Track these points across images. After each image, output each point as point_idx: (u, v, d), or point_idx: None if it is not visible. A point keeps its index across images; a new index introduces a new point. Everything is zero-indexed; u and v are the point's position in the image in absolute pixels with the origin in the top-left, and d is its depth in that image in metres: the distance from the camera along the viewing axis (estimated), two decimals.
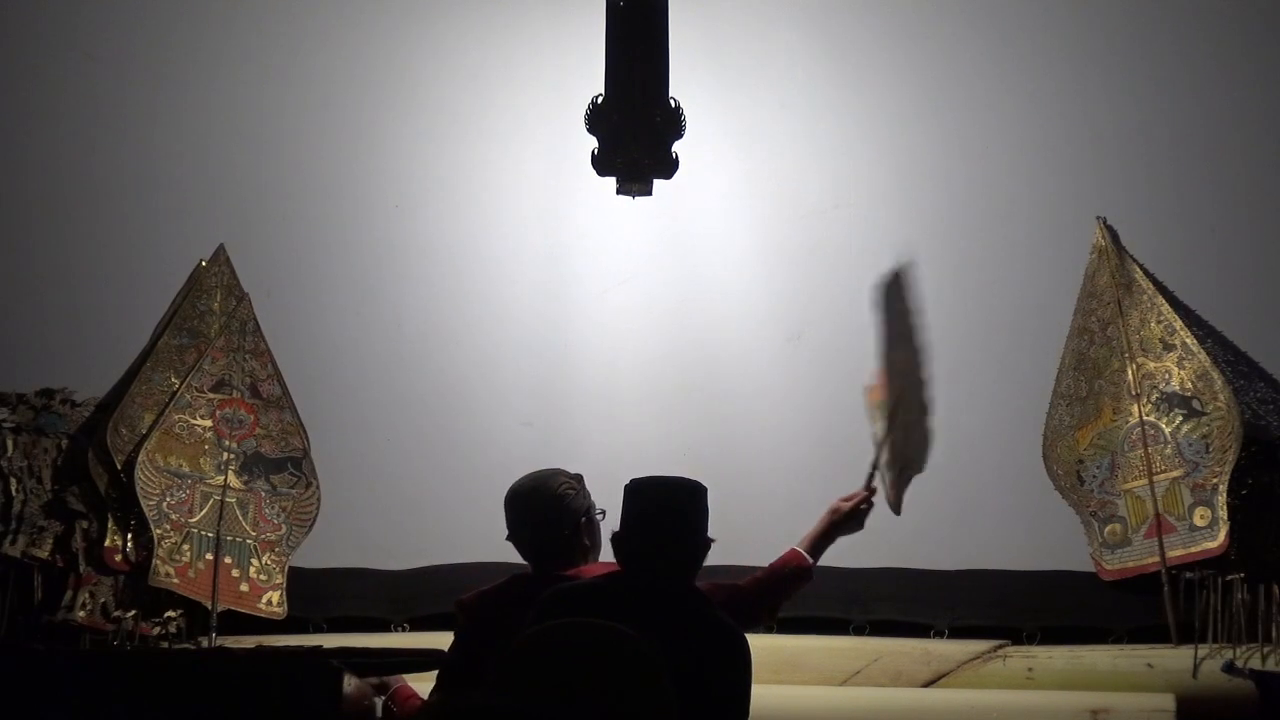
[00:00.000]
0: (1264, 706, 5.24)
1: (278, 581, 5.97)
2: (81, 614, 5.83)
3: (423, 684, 4.52)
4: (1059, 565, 6.01)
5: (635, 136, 5.01)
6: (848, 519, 4.76)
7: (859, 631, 6.00)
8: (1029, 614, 5.81)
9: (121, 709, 3.96)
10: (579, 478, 4.57)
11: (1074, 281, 5.99)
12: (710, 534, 4.10)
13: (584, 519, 4.51)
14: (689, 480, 4.14)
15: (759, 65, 6.38)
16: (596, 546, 4.52)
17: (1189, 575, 5.54)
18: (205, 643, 5.73)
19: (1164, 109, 6.18)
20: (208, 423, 6.02)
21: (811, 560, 4.70)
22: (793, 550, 4.75)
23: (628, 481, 4.09)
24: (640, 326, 6.35)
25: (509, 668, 2.41)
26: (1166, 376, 5.75)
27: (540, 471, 4.59)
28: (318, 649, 5.29)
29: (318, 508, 6.05)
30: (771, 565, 4.70)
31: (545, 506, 4.47)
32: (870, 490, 4.84)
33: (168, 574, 5.84)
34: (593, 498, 4.57)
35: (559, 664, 2.41)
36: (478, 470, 6.18)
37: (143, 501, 5.86)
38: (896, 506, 4.88)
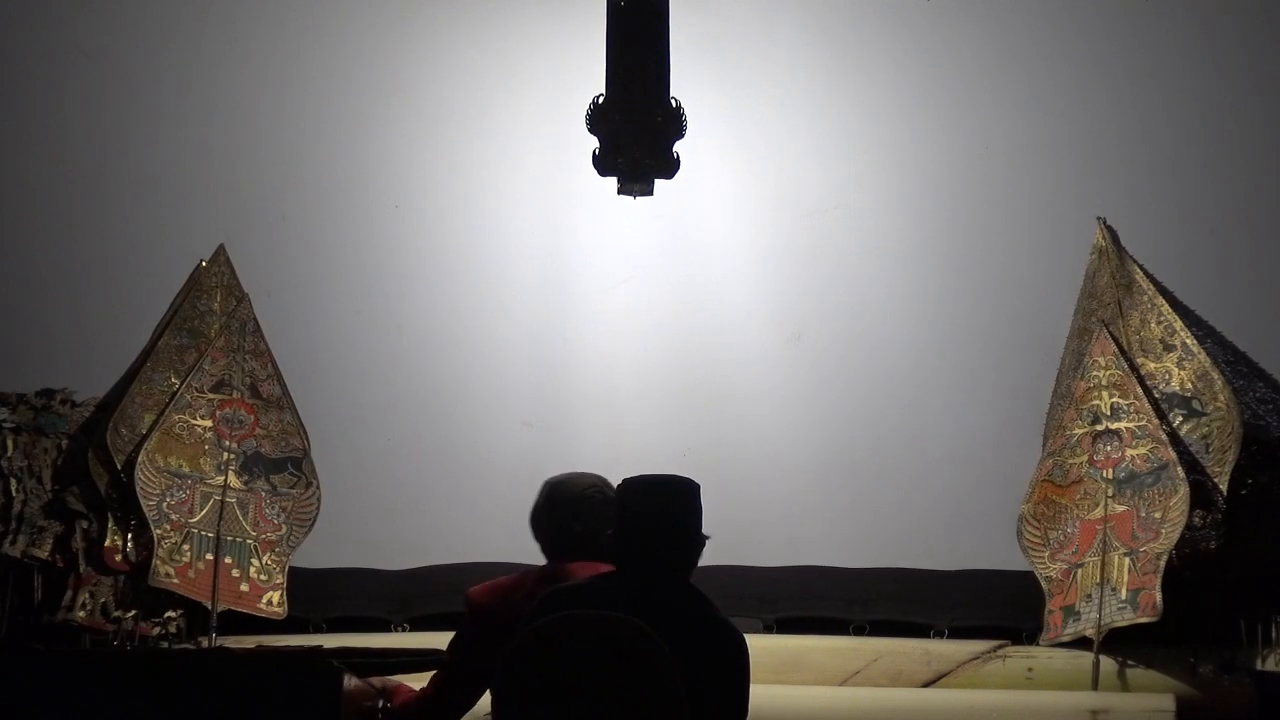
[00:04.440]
0: (1263, 707, 5.24)
1: (278, 581, 5.97)
2: (81, 614, 5.83)
3: (422, 684, 4.51)
4: None
5: (636, 136, 5.01)
6: None
7: (859, 631, 5.99)
8: (1029, 614, 5.81)
9: (121, 709, 3.95)
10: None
11: (1074, 282, 5.99)
12: (705, 531, 4.09)
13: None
14: (682, 478, 4.13)
15: (760, 65, 6.38)
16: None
17: (1188, 575, 5.53)
18: (205, 643, 5.72)
19: (1164, 110, 6.18)
20: (208, 423, 6.01)
21: None
22: None
23: (624, 480, 4.09)
24: (641, 326, 6.35)
25: (517, 660, 2.41)
26: (1166, 377, 5.75)
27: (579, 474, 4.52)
28: (318, 649, 5.29)
29: (318, 508, 6.04)
30: None
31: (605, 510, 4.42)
32: None
33: (168, 574, 5.84)
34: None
35: (567, 655, 2.41)
36: (478, 470, 6.19)
37: (143, 501, 5.85)
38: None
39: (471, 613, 4.45)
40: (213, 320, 6.13)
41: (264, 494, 6.01)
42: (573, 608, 3.62)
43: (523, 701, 2.35)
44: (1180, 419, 5.70)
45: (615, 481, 4.09)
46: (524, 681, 2.39)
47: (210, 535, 5.92)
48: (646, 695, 2.37)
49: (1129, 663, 5.54)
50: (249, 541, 5.97)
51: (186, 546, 5.89)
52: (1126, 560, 5.55)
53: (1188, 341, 5.74)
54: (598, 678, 2.36)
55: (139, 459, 5.88)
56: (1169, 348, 5.77)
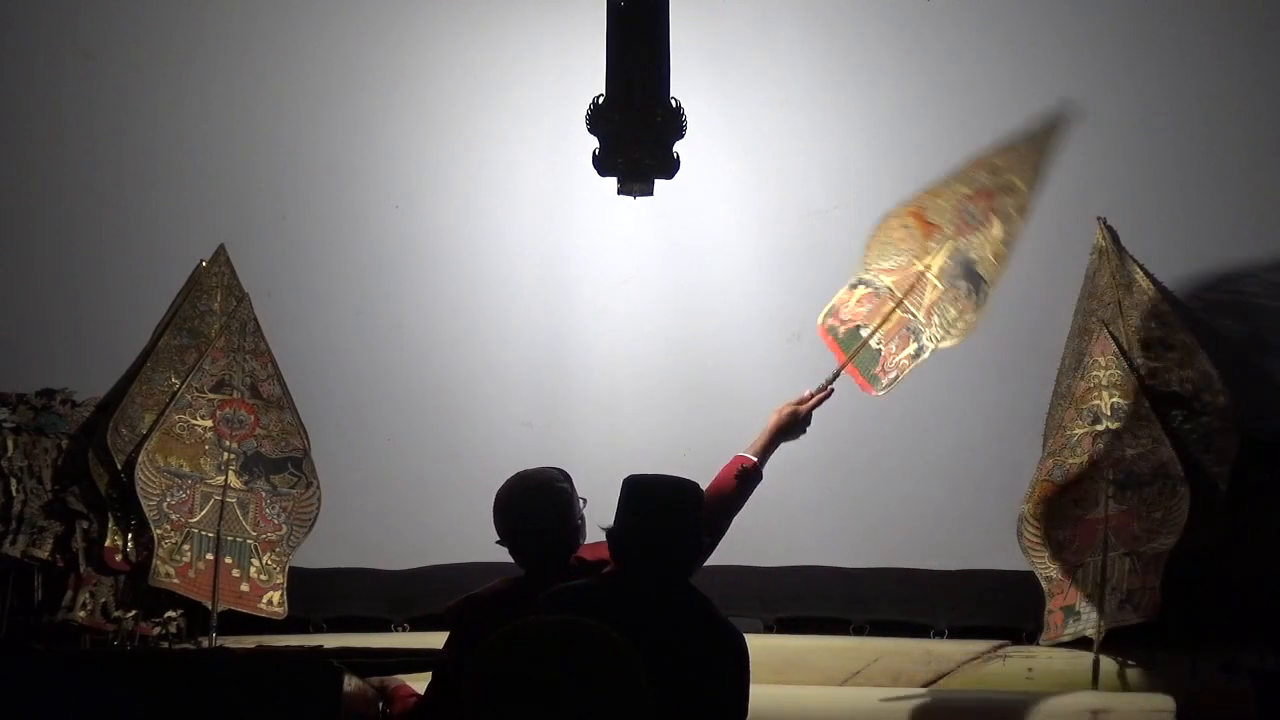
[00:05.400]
0: (1263, 707, 5.24)
1: (278, 581, 5.97)
2: (81, 614, 5.84)
3: (423, 683, 4.52)
4: None
5: (636, 136, 5.00)
6: (795, 424, 4.95)
7: (859, 631, 6.00)
8: (1029, 614, 5.81)
9: (121, 709, 3.95)
10: (567, 474, 4.57)
11: (1074, 281, 5.98)
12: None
13: (580, 518, 4.52)
14: (688, 480, 4.16)
15: (760, 64, 6.37)
16: (583, 539, 4.54)
17: (1188, 575, 5.54)
18: (205, 643, 5.73)
19: (1164, 109, 6.17)
20: (208, 423, 6.02)
21: (756, 460, 4.81)
22: (736, 456, 4.84)
23: (626, 477, 4.09)
24: (641, 326, 6.35)
25: (482, 664, 2.41)
26: (1167, 377, 5.75)
27: (534, 472, 4.58)
28: (318, 649, 5.29)
29: (318, 508, 6.05)
30: (717, 477, 4.75)
31: (552, 507, 4.46)
32: (826, 391, 5.00)
33: (168, 574, 5.84)
34: (580, 492, 4.59)
35: (532, 661, 2.41)
36: (478, 470, 6.17)
37: (143, 501, 5.86)
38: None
39: (450, 627, 4.47)
40: (213, 320, 6.14)
41: (264, 494, 6.01)
42: (574, 608, 3.63)
43: (489, 706, 2.35)
44: (1180, 419, 5.70)
45: (619, 482, 4.11)
46: (489, 686, 2.39)
47: (210, 535, 5.92)
48: (613, 705, 2.37)
49: (1129, 663, 5.54)
50: (249, 541, 5.97)
51: (186, 546, 5.90)
52: (1126, 560, 5.55)
53: (1188, 341, 5.75)
54: (563, 685, 2.36)
55: (139, 459, 5.89)
56: (1169, 347, 5.77)
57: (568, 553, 4.46)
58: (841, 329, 5.51)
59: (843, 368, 5.29)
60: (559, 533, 4.46)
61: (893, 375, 5.39)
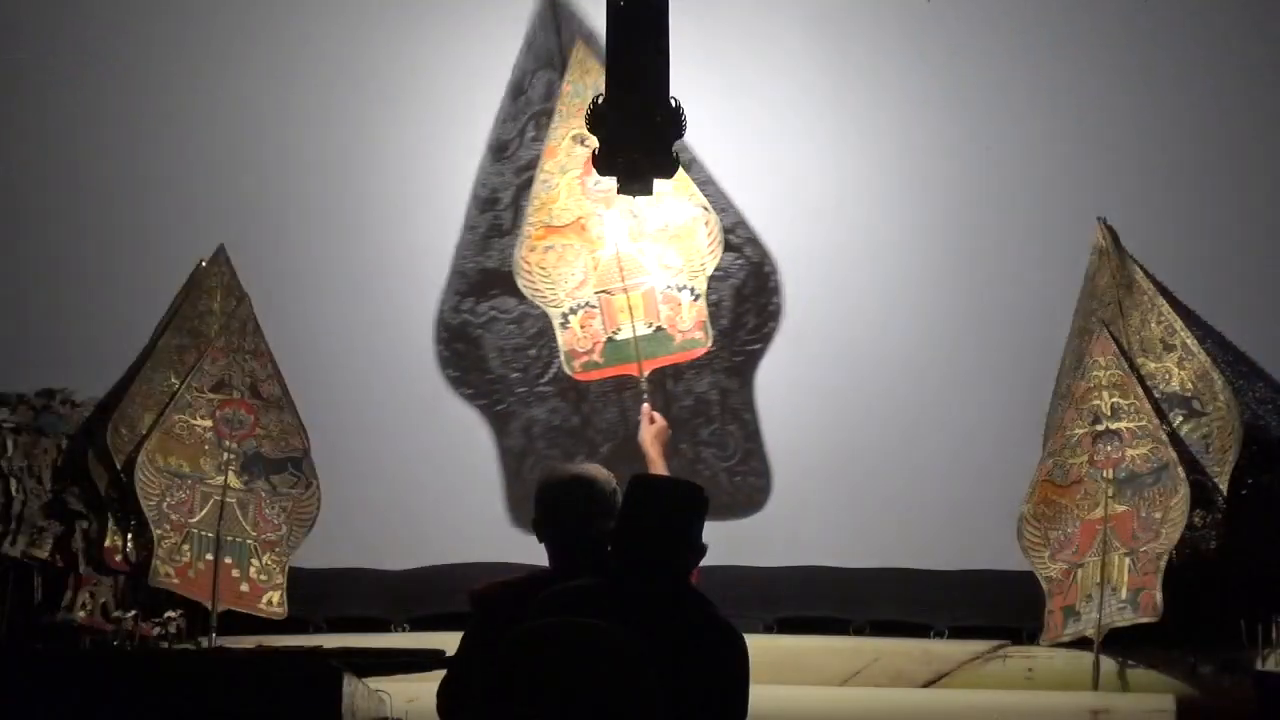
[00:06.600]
0: (1263, 707, 5.24)
1: (278, 581, 5.97)
2: (81, 614, 5.83)
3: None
4: None
5: (636, 137, 4.99)
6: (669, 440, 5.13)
7: (859, 631, 6.00)
8: (1029, 614, 5.81)
9: (121, 709, 3.96)
10: (613, 478, 4.53)
11: (1074, 282, 5.99)
12: (704, 539, 4.12)
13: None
14: (693, 483, 4.16)
15: (759, 64, 6.37)
16: None
17: (1188, 575, 5.54)
18: (205, 643, 5.73)
19: (1164, 109, 6.18)
20: (208, 423, 6.01)
21: None
22: None
23: (632, 476, 4.09)
24: None
25: (500, 666, 2.42)
26: (1167, 377, 5.76)
27: (584, 465, 4.53)
28: (318, 649, 5.30)
29: (318, 508, 6.04)
30: None
31: (594, 503, 4.42)
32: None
33: (168, 574, 5.84)
34: None
35: (544, 663, 2.41)
36: (477, 471, 6.18)
37: (143, 501, 5.86)
38: None
39: (476, 608, 4.45)
40: (213, 320, 6.13)
41: (264, 494, 6.01)
42: (573, 609, 3.63)
43: (501, 706, 2.36)
44: (1180, 419, 5.70)
45: (620, 483, 4.10)
46: (501, 687, 2.39)
47: (210, 535, 5.92)
48: (623, 706, 2.37)
49: (1129, 663, 5.55)
50: (249, 541, 5.97)
51: (186, 546, 5.90)
52: (1126, 560, 5.56)
53: (1188, 341, 5.75)
54: (574, 686, 2.36)
55: (139, 459, 5.88)
56: (1169, 348, 5.77)
57: (599, 551, 4.42)
58: (598, 354, 5.61)
59: (642, 371, 5.39)
60: (599, 530, 4.43)
61: (698, 325, 5.51)
